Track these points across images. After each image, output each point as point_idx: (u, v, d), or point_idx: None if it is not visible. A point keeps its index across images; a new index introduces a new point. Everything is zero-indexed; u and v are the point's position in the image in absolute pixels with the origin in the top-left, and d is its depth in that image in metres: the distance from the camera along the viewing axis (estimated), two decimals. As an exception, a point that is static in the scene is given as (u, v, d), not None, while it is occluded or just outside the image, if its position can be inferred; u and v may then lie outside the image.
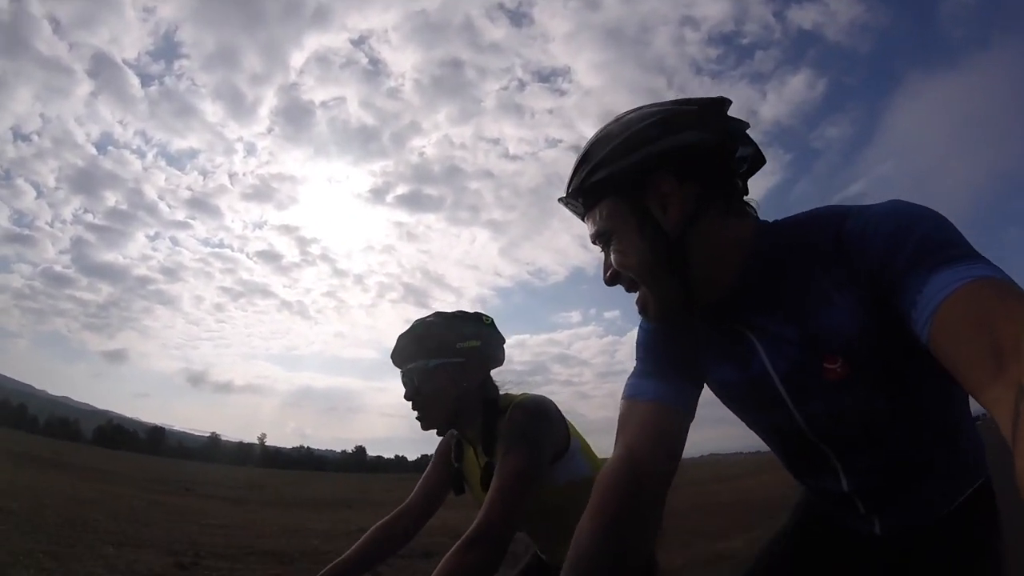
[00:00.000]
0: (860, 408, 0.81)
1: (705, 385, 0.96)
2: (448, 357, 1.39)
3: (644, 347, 0.97)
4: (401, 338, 1.44)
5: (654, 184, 0.79)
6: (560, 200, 0.89)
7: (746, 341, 0.86)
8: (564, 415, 1.41)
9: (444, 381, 1.38)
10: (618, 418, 0.91)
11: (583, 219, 0.88)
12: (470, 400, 1.40)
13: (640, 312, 0.87)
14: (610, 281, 0.86)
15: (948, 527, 0.91)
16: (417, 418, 1.40)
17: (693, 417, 0.91)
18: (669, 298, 0.82)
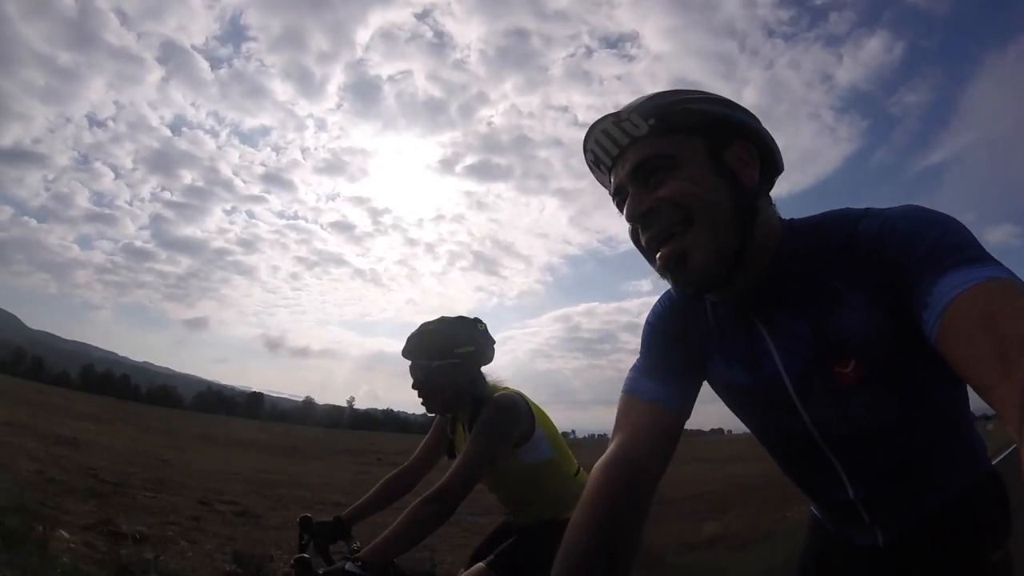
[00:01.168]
0: (871, 413, 0.80)
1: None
2: (446, 359, 1.70)
3: (649, 343, 0.95)
4: (411, 338, 1.76)
5: (736, 146, 0.78)
6: (608, 117, 0.77)
7: (759, 340, 0.83)
8: (537, 408, 1.74)
9: (443, 378, 1.71)
10: (616, 411, 0.90)
11: (625, 145, 0.78)
12: (462, 391, 1.74)
13: (671, 267, 0.77)
14: (644, 215, 0.77)
15: (952, 527, 0.89)
16: (422, 403, 1.76)
17: (689, 416, 0.90)
18: (722, 248, 0.75)
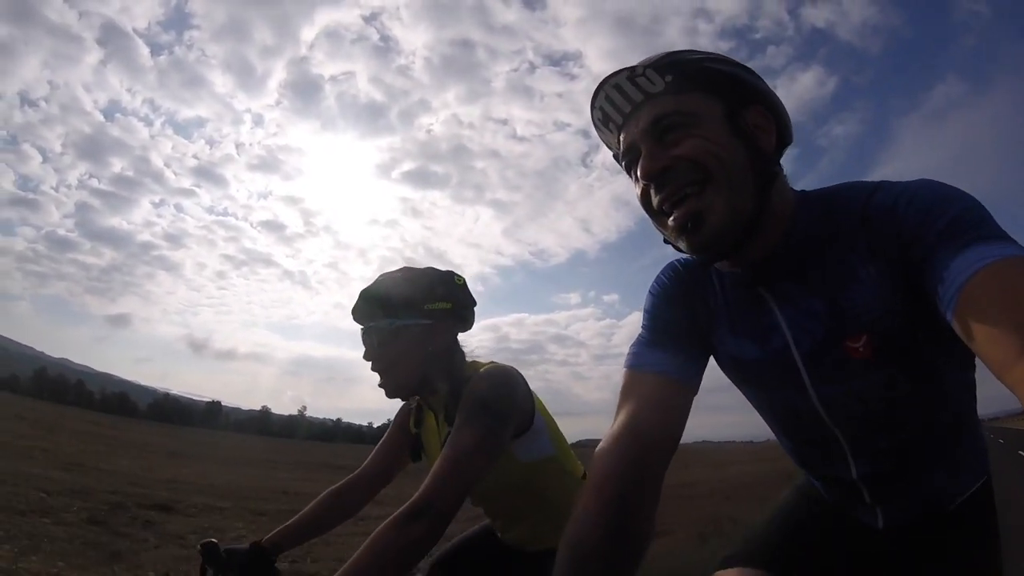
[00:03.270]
0: (880, 390, 0.78)
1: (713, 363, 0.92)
2: (415, 318, 1.26)
3: (652, 315, 0.91)
4: (364, 293, 1.29)
5: (754, 111, 0.76)
6: (622, 71, 0.74)
7: (768, 314, 0.81)
8: (532, 390, 1.29)
9: (409, 344, 1.26)
10: (620, 388, 0.85)
11: (639, 101, 0.75)
12: (436, 365, 1.28)
13: (686, 229, 0.73)
14: (659, 173, 0.73)
15: (950, 523, 0.89)
16: (380, 384, 1.27)
17: (697, 391, 0.86)
18: (739, 210, 0.72)
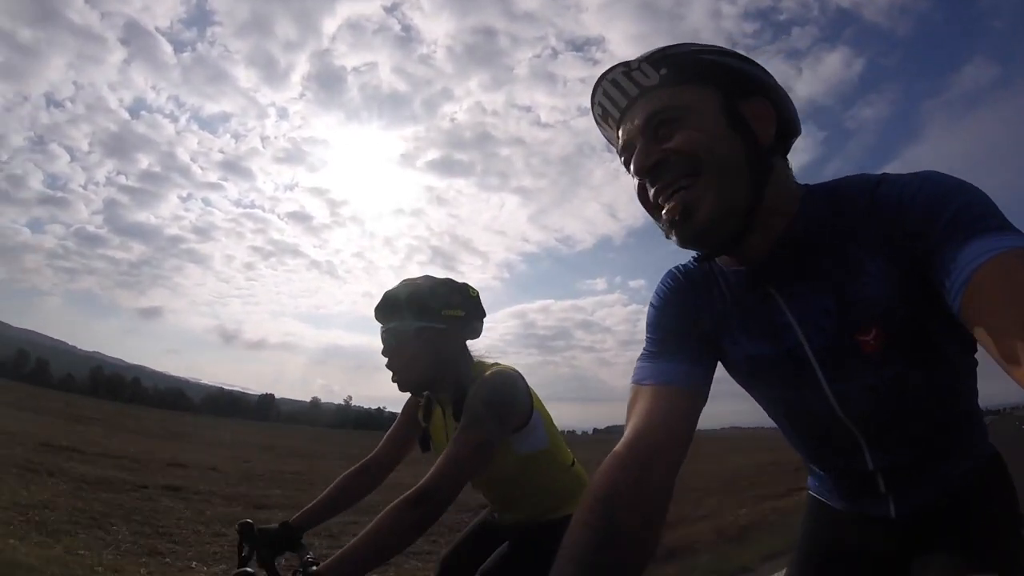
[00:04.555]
0: (892, 383, 0.78)
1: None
2: (431, 322, 1.38)
3: (653, 327, 0.89)
4: (387, 295, 1.42)
5: (754, 101, 0.74)
6: (618, 66, 0.74)
7: (779, 313, 0.80)
8: (530, 387, 1.42)
9: (424, 344, 1.38)
10: (626, 406, 0.83)
11: (635, 96, 0.74)
12: (445, 366, 1.41)
13: (677, 220, 0.72)
14: (652, 167, 0.73)
15: (963, 502, 0.90)
16: (393, 379, 1.41)
17: (706, 399, 0.83)
18: (732, 201, 0.71)
